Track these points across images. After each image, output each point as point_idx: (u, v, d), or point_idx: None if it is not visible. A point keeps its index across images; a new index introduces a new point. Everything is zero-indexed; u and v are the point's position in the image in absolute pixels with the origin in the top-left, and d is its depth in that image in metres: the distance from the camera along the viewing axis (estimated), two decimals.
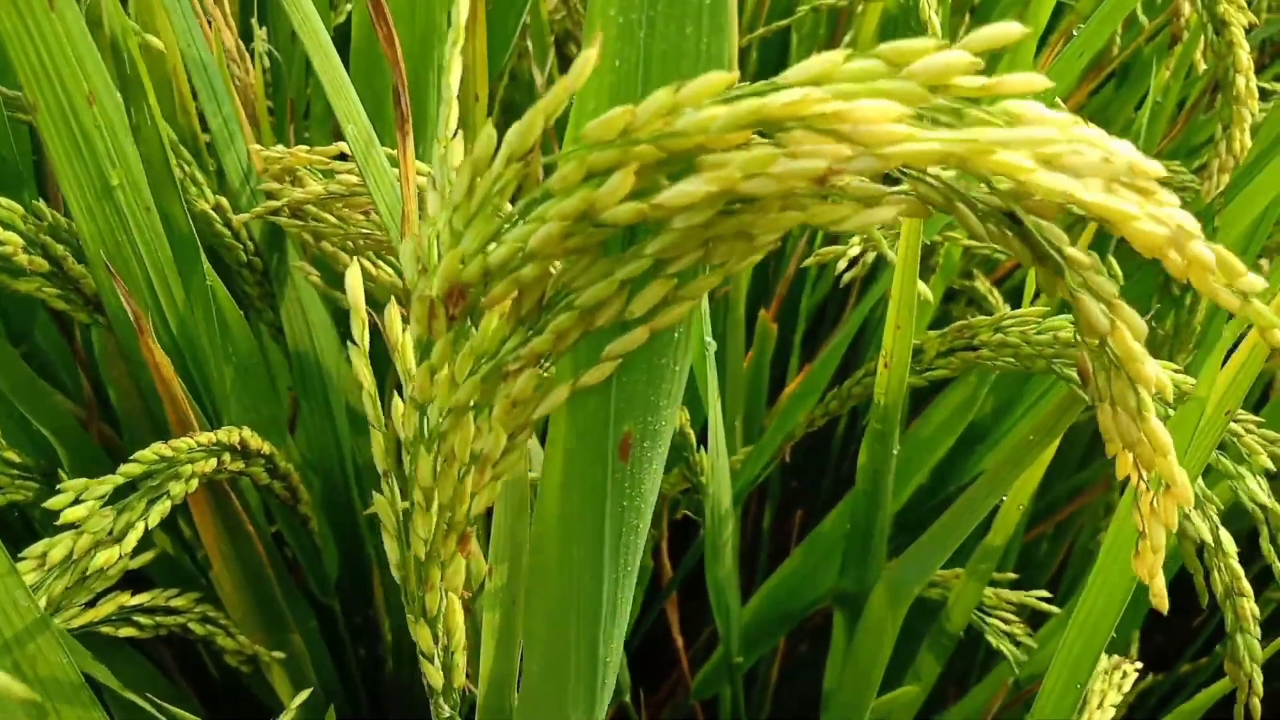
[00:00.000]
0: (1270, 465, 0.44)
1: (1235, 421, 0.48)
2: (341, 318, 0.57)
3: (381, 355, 0.59)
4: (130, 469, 0.36)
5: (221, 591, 0.46)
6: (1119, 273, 0.57)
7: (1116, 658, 0.54)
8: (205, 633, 0.45)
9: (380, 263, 0.51)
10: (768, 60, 0.80)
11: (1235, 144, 0.63)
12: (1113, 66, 0.72)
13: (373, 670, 0.64)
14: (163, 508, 0.36)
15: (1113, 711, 0.52)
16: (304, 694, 0.41)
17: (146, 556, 0.42)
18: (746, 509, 0.80)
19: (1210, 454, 0.45)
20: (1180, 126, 0.73)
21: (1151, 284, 0.57)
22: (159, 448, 0.38)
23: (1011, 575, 0.60)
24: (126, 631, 0.42)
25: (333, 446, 0.56)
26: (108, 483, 0.36)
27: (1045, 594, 0.59)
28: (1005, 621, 0.59)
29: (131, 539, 0.35)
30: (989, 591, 0.59)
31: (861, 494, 0.53)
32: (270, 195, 0.50)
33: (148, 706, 0.39)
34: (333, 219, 0.51)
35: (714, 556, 0.56)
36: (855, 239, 0.54)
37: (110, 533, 0.36)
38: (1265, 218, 0.54)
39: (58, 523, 0.36)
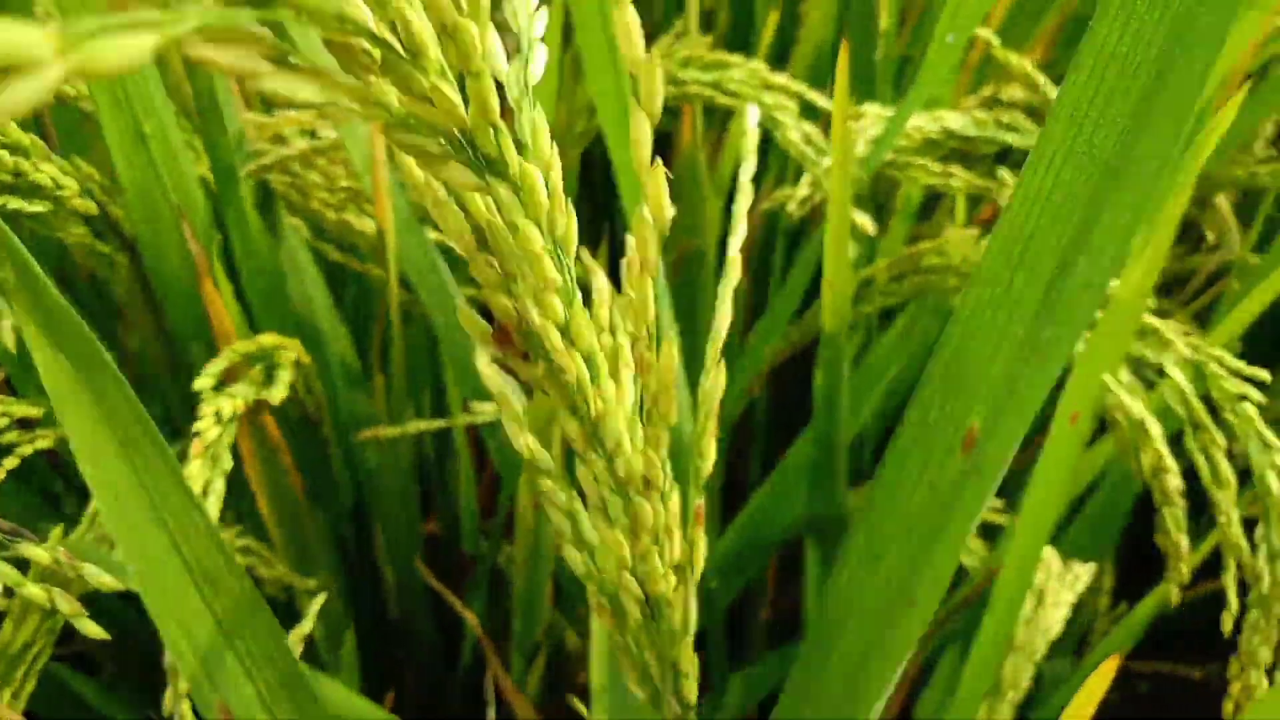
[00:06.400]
0: (1187, 352, 0.48)
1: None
2: (332, 271, 0.61)
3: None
4: (245, 346, 0.41)
5: (265, 517, 0.50)
6: None
7: (1070, 561, 0.57)
8: (248, 562, 0.48)
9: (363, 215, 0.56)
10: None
11: None
12: None
13: (379, 616, 0.67)
14: (286, 377, 0.41)
15: (1065, 610, 0.55)
16: (321, 597, 0.44)
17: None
18: (732, 449, 0.82)
19: (1129, 341, 0.49)
20: None
21: None
22: (244, 345, 0.44)
23: None
24: None
25: (328, 398, 0.59)
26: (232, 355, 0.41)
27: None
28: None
29: (282, 386, 0.41)
30: None
31: (820, 416, 0.57)
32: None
33: None
34: (316, 176, 0.55)
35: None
36: (804, 180, 0.58)
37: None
38: None
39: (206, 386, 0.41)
